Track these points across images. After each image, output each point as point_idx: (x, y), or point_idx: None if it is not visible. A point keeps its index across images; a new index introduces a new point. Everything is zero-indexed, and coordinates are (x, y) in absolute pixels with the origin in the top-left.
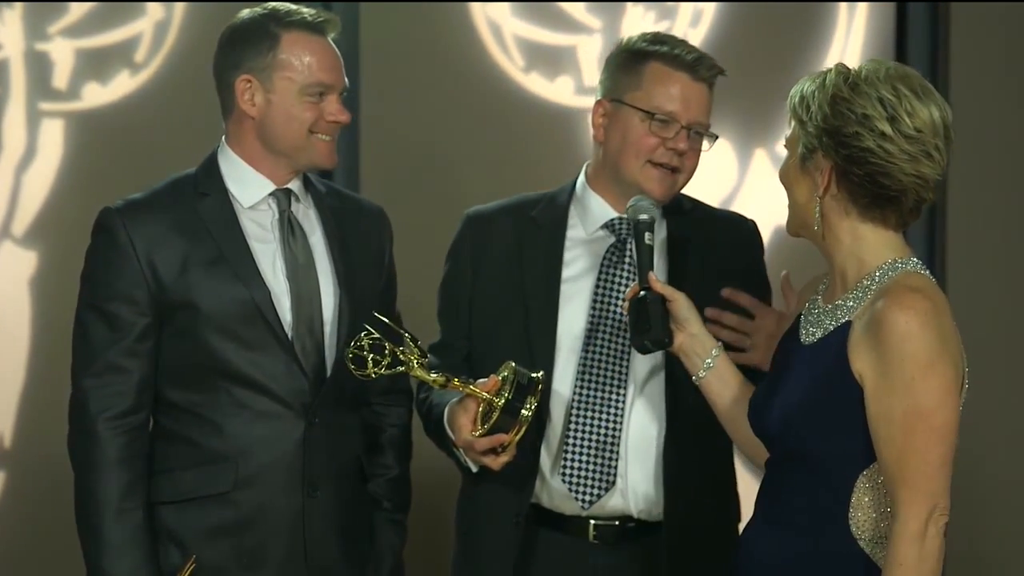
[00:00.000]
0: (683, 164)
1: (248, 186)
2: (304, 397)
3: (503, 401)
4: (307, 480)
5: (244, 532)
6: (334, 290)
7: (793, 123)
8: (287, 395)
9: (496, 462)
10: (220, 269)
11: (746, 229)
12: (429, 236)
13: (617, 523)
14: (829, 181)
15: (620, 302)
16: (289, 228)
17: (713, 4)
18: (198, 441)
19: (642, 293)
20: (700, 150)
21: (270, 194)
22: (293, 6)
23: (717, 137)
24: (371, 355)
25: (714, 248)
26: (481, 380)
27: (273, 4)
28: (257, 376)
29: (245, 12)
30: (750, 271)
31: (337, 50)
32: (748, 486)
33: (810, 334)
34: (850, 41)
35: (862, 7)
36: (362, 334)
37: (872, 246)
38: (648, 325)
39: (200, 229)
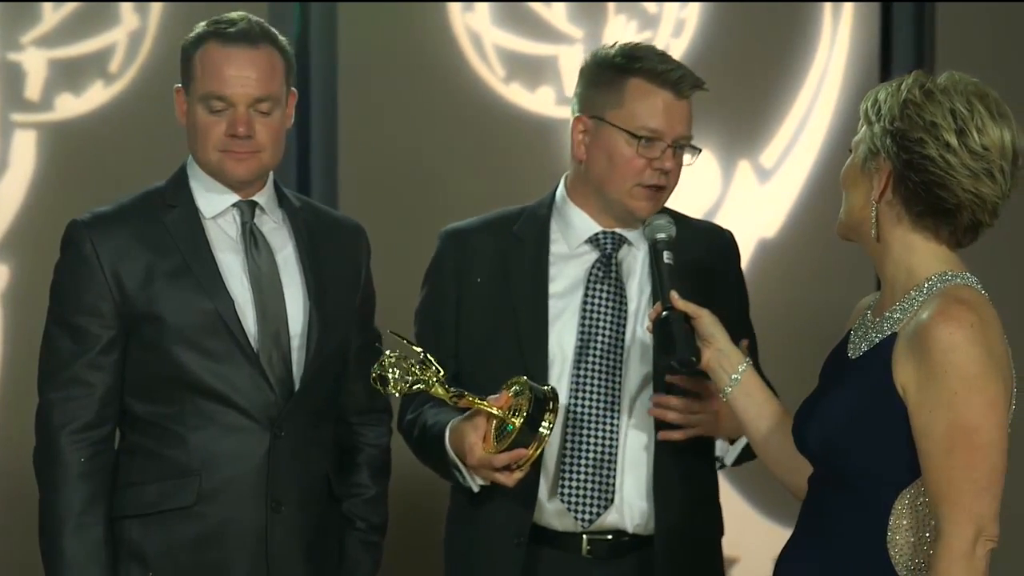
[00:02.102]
0: (668, 182)
1: (212, 197)
2: (270, 410)
3: (521, 418)
4: (271, 495)
5: (207, 547)
6: (304, 304)
7: (862, 126)
8: (252, 408)
9: (511, 478)
10: (185, 280)
11: (724, 240)
12: (408, 247)
13: (610, 538)
14: (886, 185)
15: (608, 323)
16: (252, 239)
17: (696, 15)
18: (162, 454)
19: (664, 313)
20: (683, 163)
21: (233, 205)
22: (237, 15)
23: (700, 150)
24: (393, 374)
25: (695, 259)
26: (492, 396)
27: (225, 16)
28: (222, 388)
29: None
30: (730, 281)
31: (262, 59)
32: (731, 497)
33: (857, 348)
34: (835, 50)
35: (847, 13)
36: (386, 352)
37: (922, 257)
38: (673, 346)
39: (166, 240)
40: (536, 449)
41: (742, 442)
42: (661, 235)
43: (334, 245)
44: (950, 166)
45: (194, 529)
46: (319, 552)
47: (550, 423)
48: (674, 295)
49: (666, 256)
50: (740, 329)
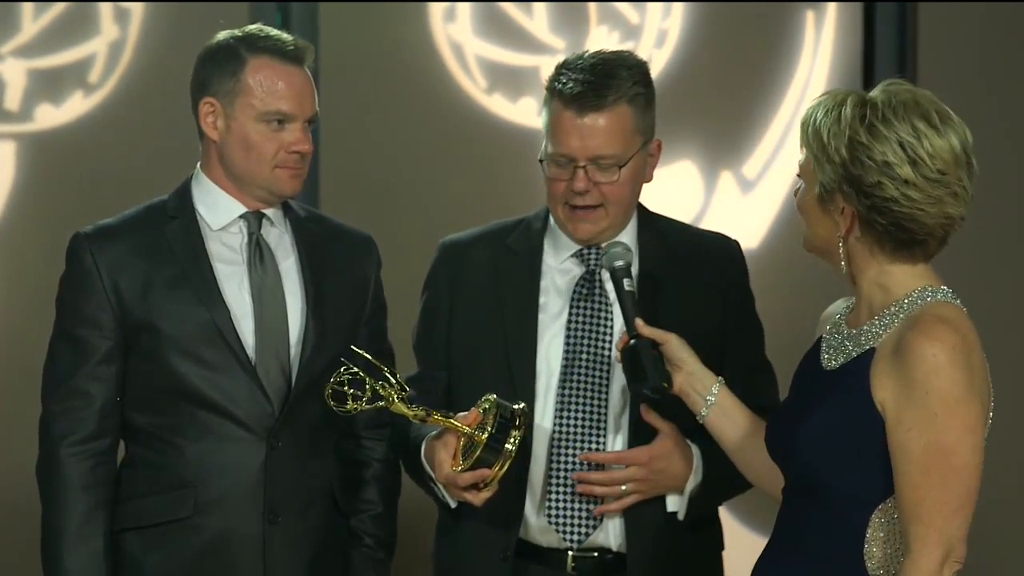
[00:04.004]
0: (603, 199)
1: (218, 209)
2: (267, 420)
3: (486, 435)
4: (268, 506)
5: (205, 558)
6: (302, 313)
7: (806, 152)
8: (249, 418)
9: (478, 498)
10: (182, 290)
11: (729, 249)
12: (389, 256)
13: (595, 555)
14: (852, 225)
15: (592, 339)
16: (257, 251)
17: (678, 24)
18: (161, 466)
19: (632, 341)
20: (620, 180)
21: (240, 216)
22: (274, 31)
23: (623, 166)
24: (351, 390)
25: (697, 270)
26: (461, 413)
27: (252, 28)
28: (218, 398)
29: (223, 33)
30: (734, 290)
31: (310, 78)
32: (727, 513)
33: (832, 359)
34: (817, 59)
35: (830, 18)
36: (341, 369)
37: (899, 276)
38: (644, 374)
39: (165, 251)
40: (500, 468)
41: (686, 495)
42: (619, 263)
43: (338, 255)
44: (913, 201)
45: (192, 541)
46: (321, 564)
47: (515, 441)
48: (639, 322)
49: (626, 283)
50: (748, 353)
